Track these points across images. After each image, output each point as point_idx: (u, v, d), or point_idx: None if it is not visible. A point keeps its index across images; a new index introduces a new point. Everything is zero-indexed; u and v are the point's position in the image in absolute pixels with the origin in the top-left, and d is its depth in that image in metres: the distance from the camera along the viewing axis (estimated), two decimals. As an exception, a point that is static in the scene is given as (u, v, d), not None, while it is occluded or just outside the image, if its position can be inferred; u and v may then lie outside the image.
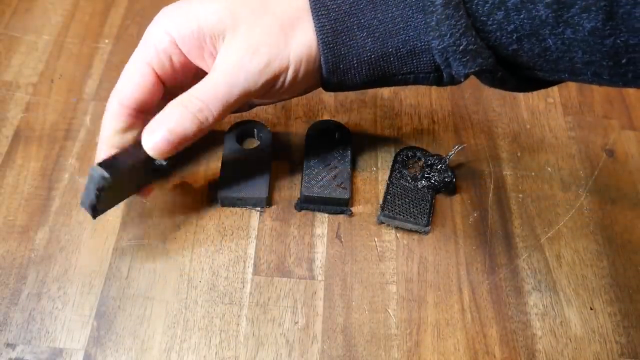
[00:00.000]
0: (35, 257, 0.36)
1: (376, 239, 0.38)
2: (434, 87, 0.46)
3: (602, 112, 0.46)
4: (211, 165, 0.41)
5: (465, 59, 0.28)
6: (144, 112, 0.33)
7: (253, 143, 0.41)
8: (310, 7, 0.29)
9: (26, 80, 0.44)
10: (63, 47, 0.47)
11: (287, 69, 0.30)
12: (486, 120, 0.45)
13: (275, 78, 0.30)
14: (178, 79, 0.33)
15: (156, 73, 0.32)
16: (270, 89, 0.31)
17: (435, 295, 0.36)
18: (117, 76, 0.45)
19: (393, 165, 0.41)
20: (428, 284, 0.36)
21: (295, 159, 0.41)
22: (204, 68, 0.32)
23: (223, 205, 0.39)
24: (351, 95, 0.45)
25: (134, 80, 0.32)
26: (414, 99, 0.46)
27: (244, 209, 0.39)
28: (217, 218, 0.38)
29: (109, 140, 0.33)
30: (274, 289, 0.36)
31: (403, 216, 0.38)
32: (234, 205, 0.39)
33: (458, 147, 0.40)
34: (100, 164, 0.31)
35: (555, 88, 0.47)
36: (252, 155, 0.40)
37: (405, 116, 0.45)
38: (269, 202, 0.39)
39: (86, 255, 0.36)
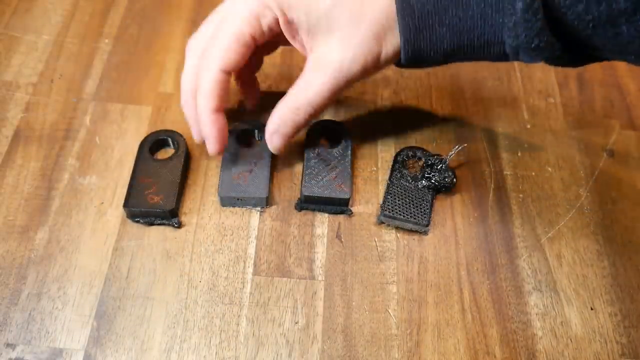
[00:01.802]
0: (35, 257, 0.36)
1: (376, 239, 0.38)
2: (434, 87, 0.46)
3: (603, 112, 0.46)
4: (211, 165, 0.41)
5: (534, 53, 0.30)
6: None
7: (253, 143, 0.41)
8: (397, 10, 0.32)
9: (26, 80, 0.44)
10: (63, 47, 0.47)
11: (379, 68, 0.34)
12: (486, 120, 0.45)
13: (369, 74, 0.35)
14: (266, 42, 0.36)
15: (255, 43, 0.35)
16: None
17: (435, 295, 0.36)
18: (117, 76, 0.45)
19: (393, 165, 0.41)
20: (428, 284, 0.36)
21: (295, 159, 0.41)
22: (292, 44, 0.36)
23: (223, 205, 0.39)
24: (351, 95, 0.45)
25: (239, 50, 0.34)
26: (414, 99, 0.46)
27: (244, 209, 0.39)
28: (217, 218, 0.38)
29: (218, 109, 0.35)
30: (274, 289, 0.36)
31: (403, 216, 0.38)
32: (233, 206, 0.39)
33: (458, 147, 0.40)
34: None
35: (555, 88, 0.47)
36: (252, 155, 0.40)
37: (406, 116, 0.45)
38: (269, 202, 0.39)
39: (86, 255, 0.36)
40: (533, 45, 0.30)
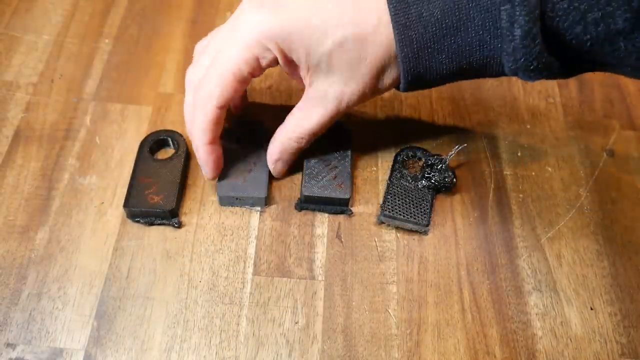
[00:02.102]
0: (36, 257, 0.36)
1: (376, 239, 0.38)
2: (434, 88, 0.46)
3: (603, 112, 0.46)
4: (211, 165, 0.41)
5: (532, 74, 0.31)
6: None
7: (252, 143, 0.41)
8: (395, 41, 0.32)
9: (26, 80, 0.44)
10: (63, 47, 0.47)
11: (378, 94, 0.36)
12: (486, 121, 0.45)
13: (367, 100, 0.36)
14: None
15: (252, 77, 0.35)
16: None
17: (435, 295, 0.36)
18: (117, 76, 0.45)
19: (393, 165, 0.41)
20: (428, 284, 0.36)
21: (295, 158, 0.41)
22: (290, 77, 0.37)
23: (222, 204, 0.39)
24: (351, 95, 0.46)
25: (236, 87, 0.34)
26: (414, 99, 0.46)
27: (244, 208, 0.39)
28: (217, 218, 0.38)
29: (213, 141, 0.36)
30: (274, 289, 0.36)
31: (403, 216, 0.38)
32: (232, 205, 0.39)
33: (458, 147, 0.40)
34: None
35: (555, 88, 0.47)
36: (252, 155, 0.40)
37: (406, 116, 0.45)
38: (267, 201, 0.39)
39: (86, 255, 0.36)
40: (532, 67, 0.30)
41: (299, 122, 0.36)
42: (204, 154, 0.36)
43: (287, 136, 0.37)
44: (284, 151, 0.38)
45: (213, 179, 0.38)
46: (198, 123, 0.35)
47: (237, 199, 0.38)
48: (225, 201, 0.38)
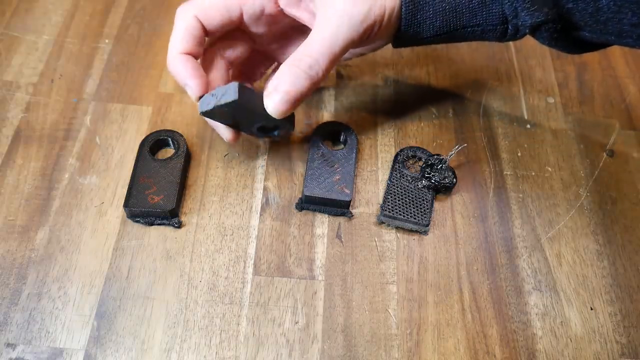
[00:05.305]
0: (36, 257, 0.36)
1: (376, 239, 0.38)
2: (434, 88, 0.46)
3: (602, 112, 0.46)
4: (211, 165, 0.41)
5: (533, 9, 0.31)
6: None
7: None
8: None
9: (26, 80, 0.44)
10: (63, 47, 0.47)
11: (383, 16, 0.33)
12: (486, 120, 0.45)
13: (373, 25, 0.33)
14: (261, 31, 0.36)
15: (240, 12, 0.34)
16: (367, 38, 0.34)
17: (435, 295, 0.36)
18: (117, 76, 0.45)
19: (393, 165, 0.41)
20: (428, 284, 0.36)
21: (298, 158, 0.41)
22: (298, 18, 0.35)
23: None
24: (351, 95, 0.45)
25: (220, 7, 0.34)
26: (414, 99, 0.46)
27: (244, 208, 0.39)
28: (217, 218, 0.38)
29: (189, 52, 0.34)
30: (274, 289, 0.36)
31: (403, 216, 0.38)
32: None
33: (458, 147, 0.40)
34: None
35: (555, 88, 0.47)
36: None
37: (406, 116, 0.45)
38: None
39: (86, 255, 0.36)
40: None
41: (303, 46, 0.33)
42: (180, 63, 0.34)
43: (289, 61, 0.33)
44: (283, 82, 0.33)
45: (199, 96, 0.34)
46: (173, 33, 0.34)
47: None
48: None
